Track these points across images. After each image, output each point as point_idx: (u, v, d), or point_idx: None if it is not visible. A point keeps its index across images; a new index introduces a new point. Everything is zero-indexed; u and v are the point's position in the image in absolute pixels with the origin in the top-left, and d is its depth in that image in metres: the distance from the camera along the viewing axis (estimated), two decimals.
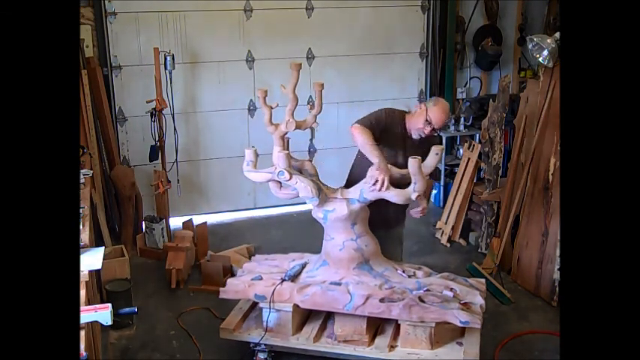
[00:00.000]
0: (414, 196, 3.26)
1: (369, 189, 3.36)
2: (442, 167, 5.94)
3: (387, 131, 3.46)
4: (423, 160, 3.31)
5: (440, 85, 6.18)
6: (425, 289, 3.50)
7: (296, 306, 3.53)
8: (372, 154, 3.32)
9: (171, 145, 5.14)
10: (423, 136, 3.50)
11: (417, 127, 3.49)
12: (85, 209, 3.34)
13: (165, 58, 5.03)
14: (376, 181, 3.30)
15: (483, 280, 3.81)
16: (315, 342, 3.56)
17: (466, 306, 3.40)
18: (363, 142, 3.33)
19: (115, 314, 2.44)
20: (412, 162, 3.13)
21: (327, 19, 5.75)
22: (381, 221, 3.64)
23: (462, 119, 5.96)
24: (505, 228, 4.67)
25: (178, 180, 5.35)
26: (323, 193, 3.51)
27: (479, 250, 5.06)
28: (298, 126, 3.63)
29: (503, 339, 3.84)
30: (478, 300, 3.46)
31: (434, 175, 3.71)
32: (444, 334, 3.51)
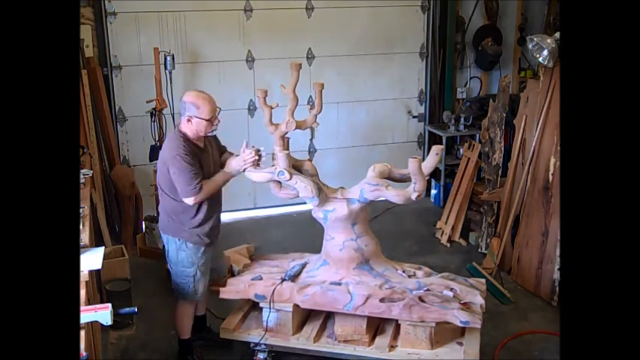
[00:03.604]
0: (414, 196, 3.26)
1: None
2: (442, 167, 5.94)
3: (195, 155, 3.25)
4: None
5: (440, 85, 6.18)
6: (425, 289, 3.51)
7: (296, 306, 3.53)
8: (220, 180, 3.34)
9: None
10: (216, 126, 3.31)
11: (206, 127, 3.25)
12: (85, 209, 3.35)
13: (165, 58, 5.03)
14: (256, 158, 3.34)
15: (483, 280, 3.81)
16: (315, 342, 3.56)
17: (466, 306, 3.40)
18: (212, 189, 3.28)
19: (115, 314, 2.44)
20: (412, 162, 3.12)
21: (327, 19, 5.75)
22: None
23: (462, 119, 5.96)
24: (505, 228, 4.66)
25: None
26: (323, 193, 3.51)
27: (479, 250, 5.06)
28: (298, 126, 3.63)
29: (503, 339, 3.84)
30: (478, 300, 3.46)
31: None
32: (444, 334, 3.51)
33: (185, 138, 3.27)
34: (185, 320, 3.58)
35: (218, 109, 3.32)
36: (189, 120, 3.25)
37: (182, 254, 3.39)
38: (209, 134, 3.35)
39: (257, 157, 3.37)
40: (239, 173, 3.41)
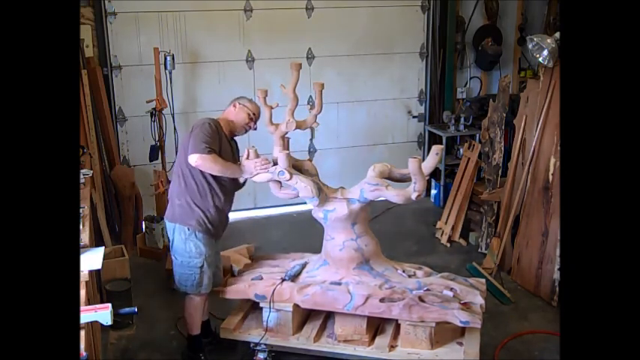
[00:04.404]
0: (414, 196, 3.26)
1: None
2: (442, 167, 5.94)
3: (221, 140, 3.37)
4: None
5: (440, 85, 6.19)
6: (425, 288, 3.51)
7: (296, 306, 3.53)
8: (231, 168, 3.36)
9: (172, 145, 5.13)
10: (249, 130, 3.56)
11: (242, 124, 3.50)
12: (85, 209, 3.35)
13: (165, 58, 5.03)
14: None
15: (483, 280, 3.81)
16: (315, 342, 3.56)
17: (466, 306, 3.40)
18: (217, 168, 3.27)
19: (115, 314, 2.44)
20: (412, 162, 3.12)
21: (327, 19, 5.75)
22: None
23: (462, 119, 5.96)
24: (505, 228, 4.66)
25: None
26: (323, 193, 3.51)
27: (479, 250, 5.06)
28: (298, 126, 3.64)
29: (503, 339, 3.84)
30: (478, 300, 3.46)
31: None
32: (444, 333, 3.51)
33: (217, 123, 3.40)
34: (196, 315, 3.56)
35: (256, 120, 3.56)
36: (234, 105, 3.51)
37: (190, 244, 3.39)
38: (238, 134, 3.54)
39: (269, 164, 3.44)
40: (251, 176, 3.45)
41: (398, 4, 5.94)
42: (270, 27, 5.60)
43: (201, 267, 3.42)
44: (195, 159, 3.22)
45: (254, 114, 3.52)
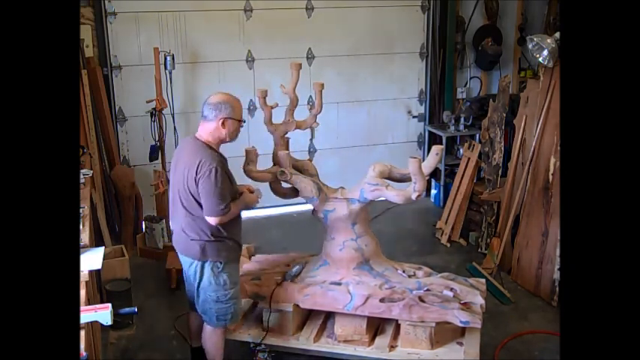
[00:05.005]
0: (414, 196, 3.26)
1: None
2: (442, 167, 5.94)
3: (224, 168, 3.04)
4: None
5: (440, 85, 6.18)
6: (425, 289, 3.51)
7: (296, 306, 3.53)
8: (249, 204, 3.21)
9: (172, 145, 5.13)
10: (241, 128, 3.16)
11: (237, 130, 3.11)
12: (85, 209, 3.35)
13: (165, 58, 5.03)
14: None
15: (483, 280, 3.81)
16: (315, 342, 3.56)
17: (466, 306, 3.40)
18: (235, 213, 3.11)
19: (115, 314, 2.44)
20: (412, 162, 3.12)
21: (327, 19, 5.75)
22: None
23: (462, 119, 5.96)
24: (505, 228, 4.67)
25: None
26: (323, 193, 3.51)
27: (479, 250, 5.06)
28: (298, 126, 3.64)
29: (503, 339, 3.84)
30: (478, 300, 3.46)
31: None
32: (444, 334, 3.51)
33: (212, 148, 3.05)
34: (221, 345, 3.32)
35: None
36: (223, 123, 3.02)
37: (224, 277, 3.14)
38: (233, 139, 3.15)
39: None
40: (255, 206, 3.31)
41: (398, 4, 5.94)
42: (270, 27, 5.60)
43: (238, 297, 3.26)
44: (212, 221, 3.01)
45: (241, 117, 3.14)
